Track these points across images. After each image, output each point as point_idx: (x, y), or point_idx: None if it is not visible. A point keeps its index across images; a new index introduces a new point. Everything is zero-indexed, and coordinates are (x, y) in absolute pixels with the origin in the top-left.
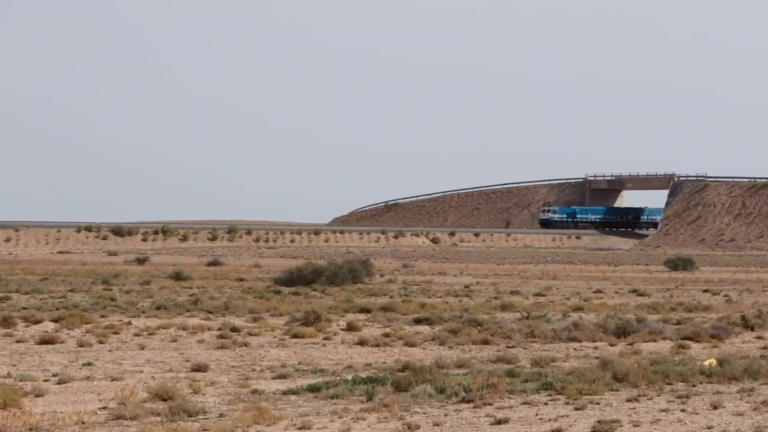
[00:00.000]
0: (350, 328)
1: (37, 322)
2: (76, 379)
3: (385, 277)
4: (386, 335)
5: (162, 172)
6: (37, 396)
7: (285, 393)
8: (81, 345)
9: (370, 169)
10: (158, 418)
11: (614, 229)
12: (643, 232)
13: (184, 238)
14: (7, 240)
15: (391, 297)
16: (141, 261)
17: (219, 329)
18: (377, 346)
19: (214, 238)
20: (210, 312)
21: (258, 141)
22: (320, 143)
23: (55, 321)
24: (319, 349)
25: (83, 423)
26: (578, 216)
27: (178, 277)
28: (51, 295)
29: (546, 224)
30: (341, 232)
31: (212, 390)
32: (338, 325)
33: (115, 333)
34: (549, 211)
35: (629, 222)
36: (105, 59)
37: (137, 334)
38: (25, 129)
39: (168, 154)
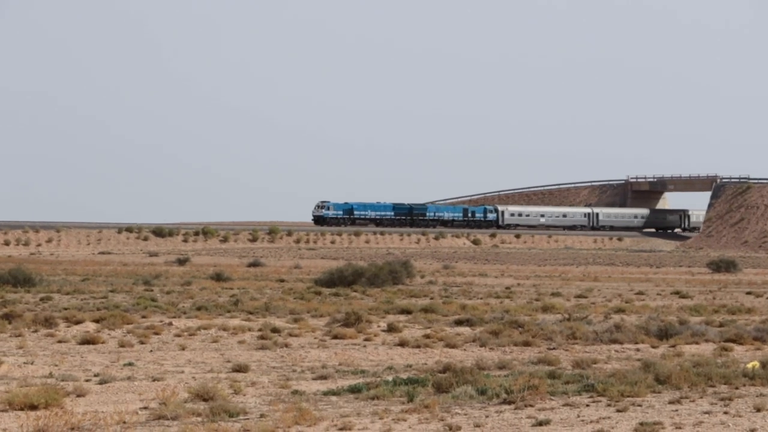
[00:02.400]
0: (391, 329)
1: (78, 322)
2: (118, 380)
3: (426, 279)
4: (427, 336)
5: (202, 176)
6: (78, 396)
7: (326, 394)
8: (122, 345)
9: (408, 170)
10: (199, 419)
11: (397, 228)
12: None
13: (225, 239)
14: (49, 241)
15: (431, 298)
16: (182, 262)
17: (260, 330)
18: (418, 347)
19: (254, 239)
20: (251, 313)
21: (296, 145)
22: (355, 145)
23: (97, 321)
24: (360, 350)
25: (124, 423)
26: (356, 212)
27: (218, 278)
28: (92, 296)
29: (320, 221)
30: (381, 233)
31: (253, 390)
32: (379, 327)
33: (156, 333)
34: (323, 207)
35: (414, 219)
36: (139, 69)
37: (178, 335)
38: (69, 133)
39: (208, 159)
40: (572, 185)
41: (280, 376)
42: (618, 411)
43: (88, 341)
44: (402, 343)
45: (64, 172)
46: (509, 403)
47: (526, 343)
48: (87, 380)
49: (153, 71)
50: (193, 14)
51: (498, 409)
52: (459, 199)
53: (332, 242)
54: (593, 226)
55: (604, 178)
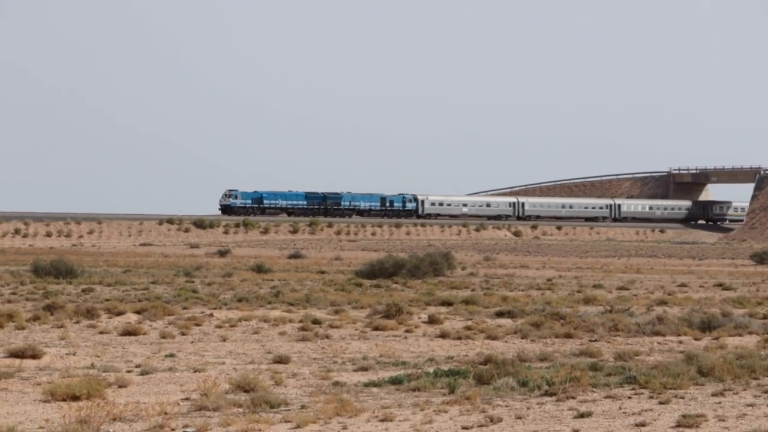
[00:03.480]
0: (432, 320)
1: (120, 313)
2: (159, 371)
3: (467, 270)
4: (468, 328)
5: (243, 167)
6: (120, 387)
7: (367, 385)
8: (163, 336)
9: (449, 163)
10: (240, 410)
11: (318, 217)
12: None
13: (266, 231)
14: (91, 232)
15: (472, 290)
16: (222, 253)
17: (300, 321)
18: (459, 339)
19: (295, 231)
20: (291, 304)
21: (332, 138)
22: (391, 135)
23: (138, 313)
24: (401, 341)
25: (166, 413)
26: (266, 201)
27: (259, 269)
28: (134, 287)
29: (227, 211)
30: (422, 225)
31: (294, 382)
32: (420, 318)
33: (197, 325)
34: (230, 196)
35: (329, 208)
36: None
37: (219, 326)
38: (111, 124)
39: (250, 152)
40: (614, 177)
41: (321, 367)
42: (660, 403)
43: (129, 332)
44: (443, 335)
45: (106, 164)
46: (551, 395)
47: (568, 335)
48: (128, 371)
49: (170, 68)
50: None
51: (539, 401)
52: (501, 191)
53: (373, 234)
54: (519, 216)
55: (647, 170)
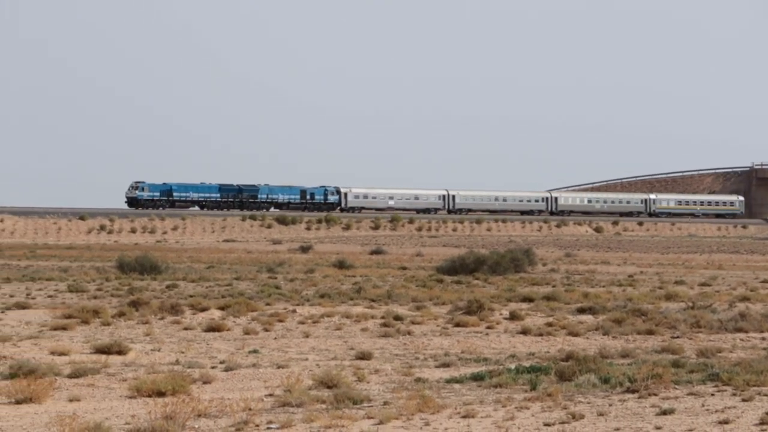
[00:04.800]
0: (513, 317)
1: (203, 309)
2: (243, 367)
3: (548, 267)
4: (549, 324)
5: (326, 164)
6: (204, 383)
7: (448, 381)
8: (247, 333)
9: (532, 157)
10: (323, 406)
11: (227, 210)
12: (263, 212)
13: (347, 227)
14: (174, 228)
15: (553, 286)
16: (305, 249)
17: (382, 318)
18: (540, 335)
19: (376, 227)
20: (373, 300)
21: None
22: (459, 127)
23: (222, 309)
24: (482, 338)
25: (250, 410)
26: (176, 194)
27: (341, 265)
28: (217, 283)
29: (133, 203)
30: (503, 221)
31: (376, 378)
32: (501, 314)
33: (280, 321)
34: (137, 188)
35: (244, 201)
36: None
37: (302, 322)
38: (197, 125)
39: (331, 149)
40: (695, 172)
41: (403, 363)
42: (743, 400)
43: (213, 328)
44: (524, 331)
45: (191, 162)
46: (633, 391)
47: (650, 332)
48: (213, 367)
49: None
50: None
51: (621, 397)
52: (582, 187)
53: (454, 230)
54: (449, 209)
55: (729, 165)
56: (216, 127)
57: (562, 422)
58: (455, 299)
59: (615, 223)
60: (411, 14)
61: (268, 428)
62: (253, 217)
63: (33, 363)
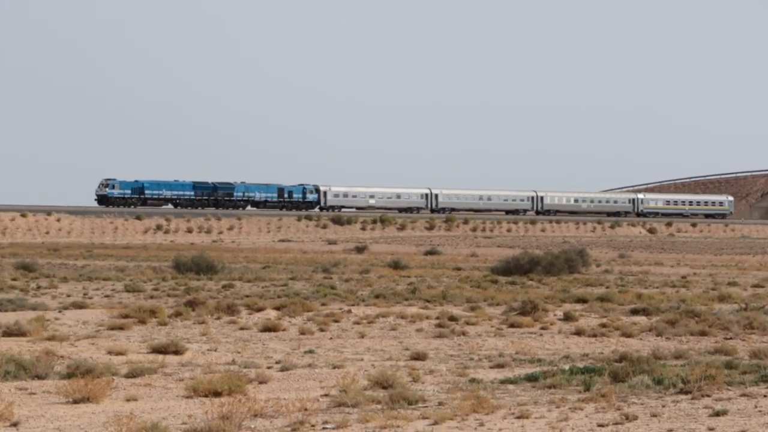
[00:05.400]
0: (567, 318)
1: (259, 309)
2: (299, 367)
3: (602, 267)
4: (603, 325)
5: (381, 165)
6: (261, 383)
7: (503, 382)
8: (302, 333)
9: (586, 160)
10: (379, 406)
11: (202, 208)
12: (239, 211)
13: (402, 227)
14: (230, 228)
15: (607, 287)
16: (360, 250)
17: (437, 318)
18: (594, 336)
19: (431, 228)
20: (428, 301)
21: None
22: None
23: (277, 309)
24: (536, 338)
25: (306, 410)
26: (148, 192)
27: (396, 266)
28: (273, 283)
29: (104, 201)
30: (557, 221)
31: (431, 378)
32: (555, 315)
33: (336, 321)
34: (107, 186)
35: (219, 200)
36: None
37: (357, 323)
38: (249, 129)
39: (388, 150)
40: (749, 173)
41: (458, 364)
42: None
43: (269, 328)
44: (578, 332)
45: (247, 162)
46: (686, 393)
47: (703, 333)
48: (269, 367)
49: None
50: None
51: (674, 398)
52: (633, 188)
53: (508, 230)
54: (432, 208)
55: None
56: (197, 123)
57: (616, 423)
58: (510, 300)
59: (669, 224)
60: (400, 6)
61: (324, 428)
62: (308, 218)
63: (90, 363)
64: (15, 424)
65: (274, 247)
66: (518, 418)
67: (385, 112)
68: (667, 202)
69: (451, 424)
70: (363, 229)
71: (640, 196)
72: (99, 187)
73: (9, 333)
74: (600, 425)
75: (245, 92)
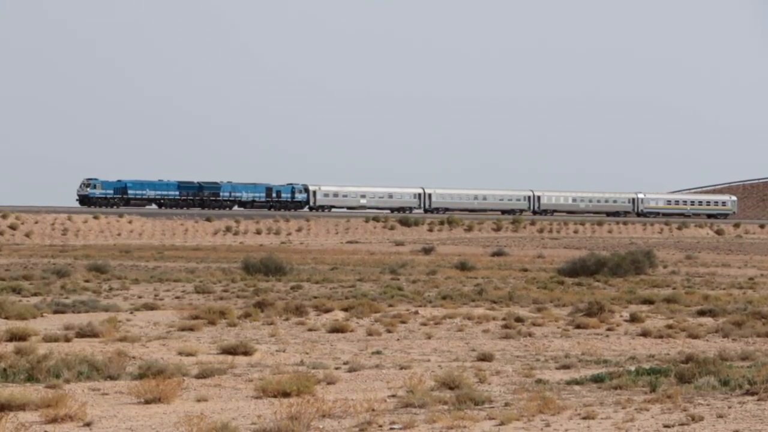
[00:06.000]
0: (633, 319)
1: (327, 310)
2: (366, 367)
3: (668, 269)
4: (669, 327)
5: (449, 166)
6: (329, 383)
7: (569, 383)
8: (370, 334)
9: (656, 162)
10: (445, 407)
11: (187, 209)
12: (226, 212)
13: (469, 229)
14: (299, 230)
15: (674, 288)
16: (427, 251)
17: (503, 319)
18: (660, 337)
19: (498, 229)
20: (494, 302)
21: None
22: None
23: (345, 310)
24: (602, 339)
25: (373, 410)
26: (131, 192)
27: (463, 267)
28: (341, 285)
29: (85, 201)
30: (624, 223)
31: (497, 379)
32: (621, 316)
33: (403, 322)
34: (89, 185)
35: (205, 200)
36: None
37: (424, 324)
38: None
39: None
40: None
41: (524, 365)
42: None
43: (337, 329)
44: (644, 333)
45: (315, 165)
46: (752, 394)
47: None
48: (337, 368)
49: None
50: None
51: (741, 400)
52: (710, 188)
53: (575, 231)
54: (426, 208)
55: None
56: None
57: (682, 424)
58: (576, 301)
59: (736, 225)
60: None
61: (392, 429)
62: (376, 219)
63: (161, 363)
64: (88, 424)
65: (342, 249)
66: (584, 418)
67: (378, 105)
68: (668, 201)
69: (518, 424)
70: (430, 230)
71: (641, 195)
72: (80, 187)
73: (82, 334)
74: (666, 426)
75: (236, 86)
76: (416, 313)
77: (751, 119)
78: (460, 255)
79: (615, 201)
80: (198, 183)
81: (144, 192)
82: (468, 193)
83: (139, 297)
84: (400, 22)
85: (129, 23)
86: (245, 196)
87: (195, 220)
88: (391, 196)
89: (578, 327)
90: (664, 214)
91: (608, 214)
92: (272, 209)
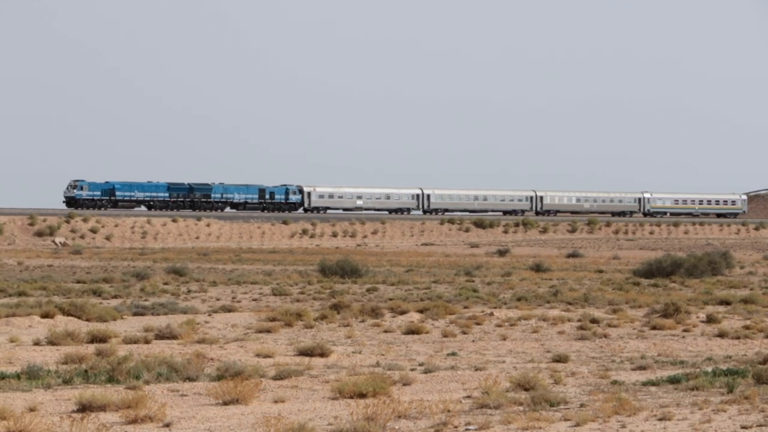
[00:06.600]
0: (710, 320)
1: (403, 312)
2: (441, 369)
3: (746, 270)
4: (747, 327)
5: (523, 169)
6: (404, 385)
7: (645, 384)
8: (445, 335)
9: (727, 159)
10: (521, 408)
11: (178, 210)
12: (221, 213)
13: (544, 230)
14: (374, 232)
15: (751, 289)
16: (502, 253)
17: (579, 320)
18: (737, 338)
19: (573, 230)
20: (570, 303)
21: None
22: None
23: (420, 312)
24: (679, 341)
25: (449, 411)
26: (119, 193)
27: (538, 268)
28: (416, 286)
29: (72, 203)
30: (701, 224)
31: (572, 380)
32: (698, 317)
33: (478, 324)
34: (76, 187)
35: (196, 201)
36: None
37: (499, 325)
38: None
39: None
40: None
41: (600, 366)
42: None
43: (412, 331)
44: (721, 334)
45: (397, 170)
46: None
47: None
48: (412, 369)
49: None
50: None
51: None
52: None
53: (651, 233)
54: (424, 209)
55: None
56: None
57: (760, 425)
58: (652, 302)
59: None
60: None
61: (467, 429)
62: (451, 221)
63: (239, 365)
64: (167, 425)
65: (417, 251)
66: (660, 420)
67: (375, 106)
68: (676, 201)
69: (593, 425)
70: (505, 232)
71: (647, 195)
72: (67, 188)
73: (161, 336)
74: (743, 427)
75: (230, 86)
76: (491, 314)
77: (762, 121)
78: (535, 256)
79: (621, 201)
80: (188, 184)
81: (132, 194)
82: (468, 193)
83: (217, 299)
84: (397, 23)
85: (118, 23)
86: (237, 197)
87: (272, 223)
88: (388, 197)
89: (654, 328)
90: (672, 214)
91: (614, 214)
92: (265, 211)
